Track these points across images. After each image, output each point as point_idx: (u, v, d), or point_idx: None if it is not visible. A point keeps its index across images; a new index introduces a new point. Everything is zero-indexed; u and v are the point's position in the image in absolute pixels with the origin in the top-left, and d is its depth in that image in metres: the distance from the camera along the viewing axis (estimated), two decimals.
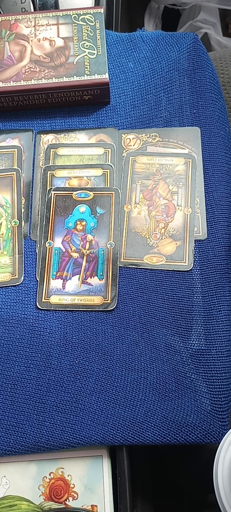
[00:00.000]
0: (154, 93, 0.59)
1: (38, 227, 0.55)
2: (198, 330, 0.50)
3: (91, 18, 0.60)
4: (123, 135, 0.58)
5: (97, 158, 0.57)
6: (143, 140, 0.58)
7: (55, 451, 0.46)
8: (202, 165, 0.56)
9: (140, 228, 0.54)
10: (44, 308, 0.51)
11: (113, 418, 0.46)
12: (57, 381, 0.48)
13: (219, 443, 0.43)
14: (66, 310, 0.51)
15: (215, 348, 0.49)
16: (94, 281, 0.52)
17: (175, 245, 0.53)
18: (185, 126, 0.58)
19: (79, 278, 0.52)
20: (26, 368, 0.49)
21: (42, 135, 0.58)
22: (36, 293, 0.52)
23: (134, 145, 0.58)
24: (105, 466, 0.46)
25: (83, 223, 0.54)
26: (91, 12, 0.60)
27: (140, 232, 0.54)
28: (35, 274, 0.53)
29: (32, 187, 0.56)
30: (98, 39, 0.59)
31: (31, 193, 0.56)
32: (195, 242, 0.53)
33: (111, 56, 0.61)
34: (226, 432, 0.45)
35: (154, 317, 0.51)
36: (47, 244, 0.54)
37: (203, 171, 0.56)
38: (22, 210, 0.55)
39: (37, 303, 0.51)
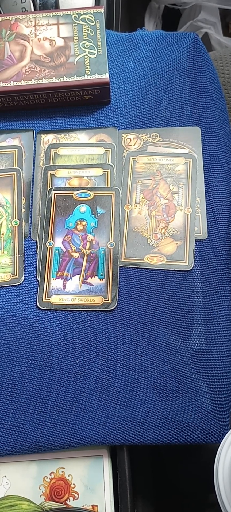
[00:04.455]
0: (154, 93, 0.59)
1: (39, 227, 0.55)
2: (199, 330, 0.50)
3: (92, 18, 0.60)
4: (123, 135, 0.58)
5: (97, 158, 0.57)
6: (143, 140, 0.58)
7: (56, 451, 0.46)
8: (203, 165, 0.56)
9: (140, 228, 0.54)
10: (45, 308, 0.51)
11: (114, 418, 0.46)
12: (57, 381, 0.48)
13: (220, 443, 0.43)
14: (66, 310, 0.51)
15: (215, 348, 0.49)
16: (95, 281, 0.52)
17: (176, 245, 0.53)
18: (186, 126, 0.58)
19: (79, 278, 0.52)
20: (26, 368, 0.49)
21: (42, 135, 0.58)
22: (36, 293, 0.52)
23: (134, 145, 0.58)
24: (106, 466, 0.46)
25: (84, 223, 0.54)
26: (92, 12, 0.60)
27: (141, 232, 0.54)
28: (36, 274, 0.53)
29: (32, 187, 0.56)
30: (99, 39, 0.59)
31: (32, 193, 0.56)
32: (195, 242, 0.53)
33: (111, 56, 0.61)
34: (227, 432, 0.45)
35: (154, 317, 0.50)
36: (47, 244, 0.54)
37: (204, 171, 0.56)
38: (23, 210, 0.55)
39: (38, 303, 0.51)
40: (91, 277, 0.52)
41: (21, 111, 0.59)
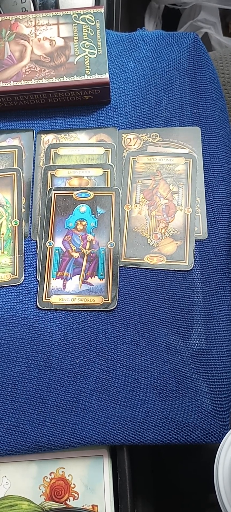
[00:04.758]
0: (154, 93, 0.59)
1: (39, 227, 0.55)
2: (199, 330, 0.50)
3: (92, 17, 0.60)
4: (123, 134, 0.58)
5: (97, 158, 0.57)
6: (143, 140, 0.58)
7: (56, 451, 0.46)
8: (203, 165, 0.56)
9: (140, 228, 0.54)
10: (45, 308, 0.51)
11: (114, 418, 0.46)
12: (57, 381, 0.48)
13: (220, 443, 0.43)
14: (66, 310, 0.51)
15: (215, 348, 0.49)
16: (95, 281, 0.52)
17: (176, 245, 0.53)
18: (186, 125, 0.58)
19: (79, 278, 0.52)
20: (26, 368, 0.49)
21: (42, 135, 0.58)
22: (36, 293, 0.52)
23: (134, 145, 0.58)
24: (106, 466, 0.46)
25: (84, 223, 0.54)
26: (92, 12, 0.60)
27: (141, 232, 0.54)
28: (36, 274, 0.53)
29: (32, 187, 0.56)
30: (99, 39, 0.59)
31: (32, 193, 0.56)
32: (195, 242, 0.53)
33: (111, 56, 0.61)
34: (227, 432, 0.45)
35: (154, 317, 0.50)
36: (47, 244, 0.54)
37: (204, 170, 0.56)
38: (23, 210, 0.55)
39: (38, 303, 0.51)
40: (91, 277, 0.52)
41: (21, 111, 0.59)
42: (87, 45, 0.58)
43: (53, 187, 0.56)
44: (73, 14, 0.60)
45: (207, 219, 0.54)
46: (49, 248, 0.53)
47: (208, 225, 0.54)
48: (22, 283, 0.52)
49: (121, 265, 0.53)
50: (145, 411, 0.47)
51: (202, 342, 0.49)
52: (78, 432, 0.46)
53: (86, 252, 0.53)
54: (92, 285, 0.52)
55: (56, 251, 0.53)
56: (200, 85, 0.59)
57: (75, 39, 0.59)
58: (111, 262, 0.52)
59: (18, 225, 0.54)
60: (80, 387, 0.48)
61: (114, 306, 0.51)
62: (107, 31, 0.62)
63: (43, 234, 0.54)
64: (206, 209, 0.54)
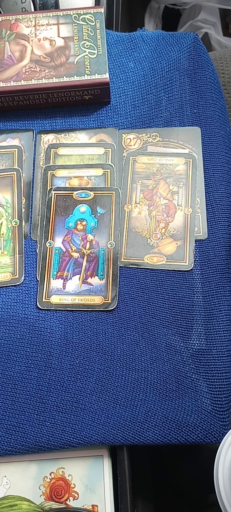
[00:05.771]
0: (154, 93, 0.59)
1: (39, 227, 0.55)
2: (199, 330, 0.50)
3: (92, 18, 0.60)
4: (123, 135, 0.58)
5: (97, 158, 0.57)
6: (143, 140, 0.58)
7: (56, 451, 0.46)
8: (203, 165, 0.56)
9: (140, 228, 0.54)
10: (45, 308, 0.51)
11: (114, 418, 0.46)
12: (57, 381, 0.48)
13: (220, 443, 0.43)
14: (66, 310, 0.51)
15: (215, 348, 0.49)
16: (95, 281, 0.52)
17: (176, 245, 0.53)
18: (186, 126, 0.58)
19: (79, 278, 0.52)
20: (26, 368, 0.49)
21: (42, 135, 0.58)
22: (36, 293, 0.52)
23: (134, 145, 0.58)
24: (106, 466, 0.46)
25: (84, 223, 0.54)
26: (92, 12, 0.60)
27: (141, 232, 0.54)
28: (36, 274, 0.53)
29: (32, 187, 0.56)
30: (99, 39, 0.59)
31: (32, 193, 0.56)
32: (195, 242, 0.53)
33: (111, 56, 0.61)
34: (227, 432, 0.45)
35: (154, 317, 0.51)
36: (47, 244, 0.54)
37: (204, 171, 0.56)
38: (23, 210, 0.55)
39: (38, 303, 0.51)
40: (91, 277, 0.52)
41: (21, 111, 0.59)
42: (87, 45, 0.58)
43: (53, 187, 0.56)
44: (73, 14, 0.60)
45: (207, 219, 0.54)
46: (49, 248, 0.53)
47: (208, 225, 0.54)
48: (22, 283, 0.52)
49: (121, 265, 0.53)
50: (145, 411, 0.47)
51: (202, 342, 0.49)
52: (78, 432, 0.46)
53: (86, 252, 0.53)
54: (92, 285, 0.52)
55: (56, 251, 0.53)
56: (200, 85, 0.59)
57: (75, 39, 0.59)
58: (111, 262, 0.52)
59: (18, 225, 0.54)
60: (80, 387, 0.48)
61: (114, 306, 0.51)
62: (107, 31, 0.62)
63: (43, 234, 0.54)
64: (206, 209, 0.54)
